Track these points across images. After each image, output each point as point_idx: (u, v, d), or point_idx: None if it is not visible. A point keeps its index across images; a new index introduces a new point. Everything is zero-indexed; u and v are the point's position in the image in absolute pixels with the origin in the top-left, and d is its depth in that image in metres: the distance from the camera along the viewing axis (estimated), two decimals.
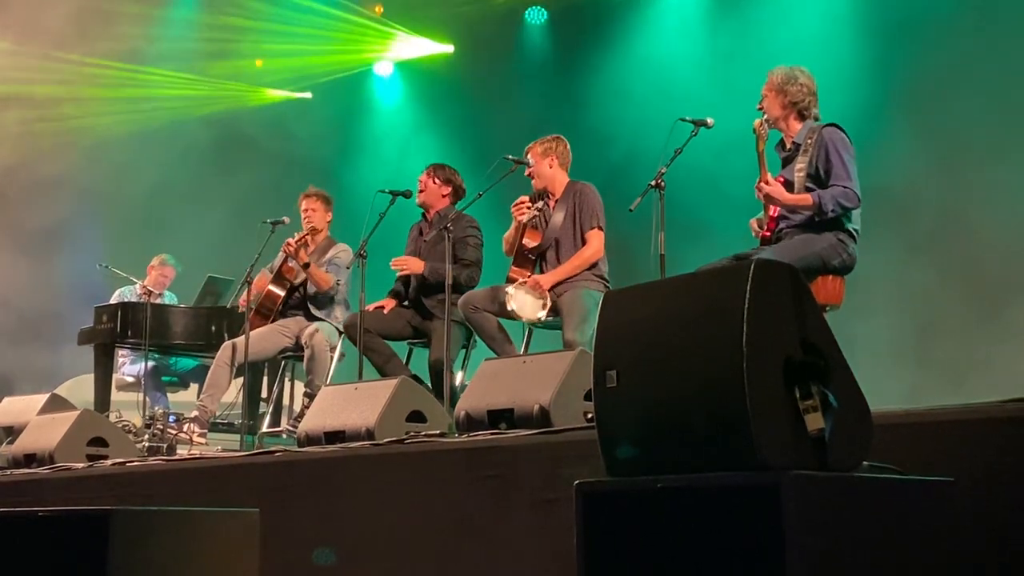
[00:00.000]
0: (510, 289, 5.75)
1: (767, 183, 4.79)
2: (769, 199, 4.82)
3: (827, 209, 4.71)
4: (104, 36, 10.43)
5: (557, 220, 5.96)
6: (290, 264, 6.94)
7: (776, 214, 4.90)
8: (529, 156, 6.07)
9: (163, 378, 8.51)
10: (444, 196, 6.55)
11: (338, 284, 6.94)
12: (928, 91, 7.47)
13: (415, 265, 6.36)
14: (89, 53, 10.50)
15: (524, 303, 5.72)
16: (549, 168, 6.05)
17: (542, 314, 5.72)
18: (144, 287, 8.34)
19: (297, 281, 6.99)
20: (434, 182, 6.56)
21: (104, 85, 10.82)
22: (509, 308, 5.71)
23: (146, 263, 8.85)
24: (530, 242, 5.97)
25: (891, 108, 7.60)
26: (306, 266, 6.81)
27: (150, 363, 8.23)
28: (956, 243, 7.33)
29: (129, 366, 8.47)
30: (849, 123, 5.01)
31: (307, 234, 6.96)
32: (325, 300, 6.96)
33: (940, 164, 7.37)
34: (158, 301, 8.33)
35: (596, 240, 5.91)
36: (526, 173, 6.08)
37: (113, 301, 8.46)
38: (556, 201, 6.05)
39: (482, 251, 6.50)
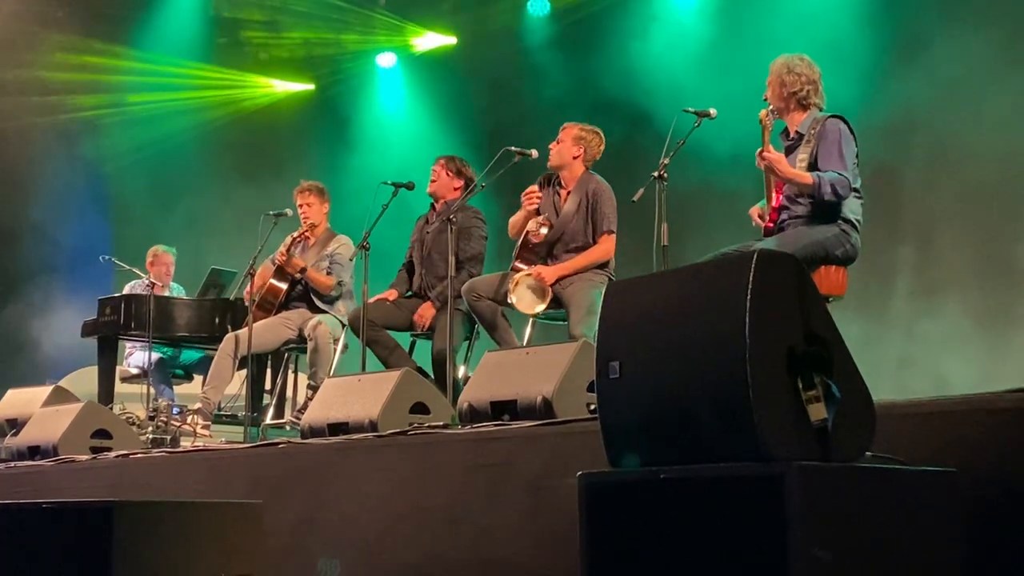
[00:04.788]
0: (516, 277, 5.74)
1: (770, 151, 4.73)
2: (770, 169, 4.78)
3: (825, 191, 4.68)
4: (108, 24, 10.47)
5: (569, 209, 5.91)
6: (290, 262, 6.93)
7: (778, 204, 4.88)
8: (561, 133, 6.02)
9: (169, 370, 8.50)
10: (456, 188, 6.49)
11: (340, 285, 6.92)
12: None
13: (429, 311, 6.35)
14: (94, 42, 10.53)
15: (523, 296, 5.72)
16: (573, 157, 6.00)
17: (540, 307, 5.71)
18: (150, 282, 8.35)
19: (299, 275, 6.98)
20: (447, 173, 6.53)
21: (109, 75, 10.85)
22: (509, 299, 5.71)
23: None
24: (537, 232, 5.90)
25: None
26: (303, 271, 6.82)
27: (156, 355, 8.23)
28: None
29: (136, 355, 8.46)
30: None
31: (306, 230, 6.95)
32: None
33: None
34: (165, 293, 8.34)
35: (607, 244, 5.87)
36: (550, 147, 6.00)
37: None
38: (569, 192, 6.01)
39: (486, 244, 6.49)
